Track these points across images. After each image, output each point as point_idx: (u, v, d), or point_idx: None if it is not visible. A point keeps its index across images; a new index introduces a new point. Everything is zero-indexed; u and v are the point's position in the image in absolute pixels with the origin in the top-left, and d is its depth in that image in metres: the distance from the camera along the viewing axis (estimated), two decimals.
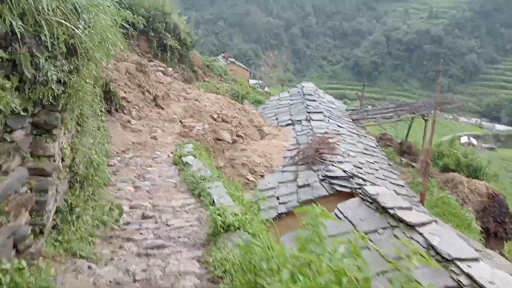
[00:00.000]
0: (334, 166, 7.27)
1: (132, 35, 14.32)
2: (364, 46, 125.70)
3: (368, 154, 9.90)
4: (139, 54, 13.46)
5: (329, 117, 11.60)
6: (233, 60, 34.44)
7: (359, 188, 6.31)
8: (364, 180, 6.91)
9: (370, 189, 5.79)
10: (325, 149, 8.32)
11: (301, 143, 9.70)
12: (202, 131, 8.44)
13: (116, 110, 7.46)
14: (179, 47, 15.78)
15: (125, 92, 7.86)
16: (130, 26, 14.25)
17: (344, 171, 6.96)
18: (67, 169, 3.81)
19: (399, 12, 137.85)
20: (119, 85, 7.96)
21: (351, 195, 6.48)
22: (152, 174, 5.09)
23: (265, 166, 9.02)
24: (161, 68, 11.15)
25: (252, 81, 39.63)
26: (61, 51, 3.06)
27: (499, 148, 74.19)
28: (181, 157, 5.56)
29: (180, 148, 6.41)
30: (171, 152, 6.34)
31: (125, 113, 7.51)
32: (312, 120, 11.00)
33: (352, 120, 13.25)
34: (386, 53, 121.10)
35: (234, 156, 9.18)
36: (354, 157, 8.76)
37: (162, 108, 9.10)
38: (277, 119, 12.88)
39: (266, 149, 9.84)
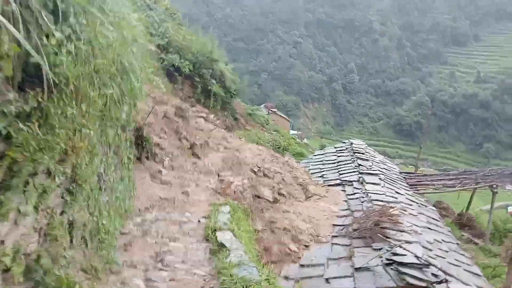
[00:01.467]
0: (402, 247, 5.82)
1: (177, 79, 13.90)
2: (407, 106, 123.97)
3: (433, 230, 8.33)
4: (182, 98, 12.88)
5: (384, 180, 10.18)
6: (275, 110, 33.99)
7: (439, 282, 4.82)
8: (441, 270, 5.40)
9: None
10: (387, 222, 6.91)
11: (354, 209, 8.32)
12: (241, 188, 7.31)
13: (147, 157, 6.53)
14: (223, 94, 15.20)
15: (159, 138, 6.97)
16: (176, 70, 13.91)
17: (417, 257, 5.50)
18: None
19: (444, 75, 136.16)
20: (154, 129, 7.09)
21: None
22: (175, 254, 3.84)
23: (311, 235, 7.67)
24: (203, 114, 10.39)
25: (291, 132, 38.84)
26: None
27: None
28: (215, 231, 4.38)
29: (215, 212, 5.26)
30: (204, 217, 5.20)
31: (156, 162, 6.55)
32: (366, 183, 9.63)
33: (409, 185, 11.73)
34: (430, 113, 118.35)
35: (274, 218, 7.93)
36: (420, 234, 7.26)
37: (199, 158, 8.12)
38: (322, 177, 11.60)
39: (312, 213, 8.52)
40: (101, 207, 3.80)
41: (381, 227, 6.77)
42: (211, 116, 11.05)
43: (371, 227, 6.76)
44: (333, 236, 7.43)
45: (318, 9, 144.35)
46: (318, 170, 12.46)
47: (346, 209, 8.70)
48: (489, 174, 12.32)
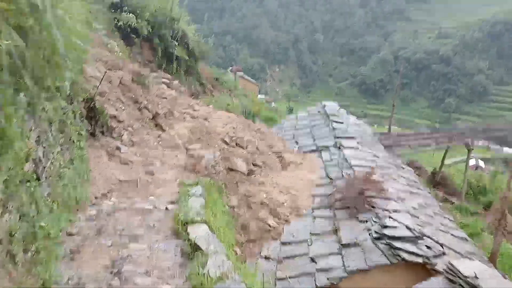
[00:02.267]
0: (392, 218, 5.37)
1: (135, 42, 12.65)
2: (371, 64, 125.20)
3: (415, 193, 8.02)
4: (141, 63, 11.74)
5: (360, 144, 9.74)
6: (242, 74, 32.86)
7: (449, 266, 4.38)
8: (436, 242, 5.01)
9: (462, 266, 3.90)
10: (371, 189, 6.44)
11: (334, 177, 7.83)
12: (213, 162, 6.60)
13: (102, 132, 5.66)
14: (186, 57, 14.07)
15: (116, 109, 6.07)
16: (133, 31, 12.63)
17: (408, 228, 5.06)
18: None
19: (407, 32, 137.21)
20: (109, 99, 6.17)
21: (422, 266, 4.59)
22: (136, 261, 3.06)
23: (290, 208, 7.14)
24: (165, 80, 9.44)
25: (259, 96, 37.95)
26: None
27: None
28: (186, 224, 3.64)
29: (185, 196, 4.53)
30: (172, 202, 4.47)
31: (114, 137, 5.70)
32: (344, 147, 9.13)
33: (384, 146, 11.39)
34: (393, 71, 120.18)
35: (250, 192, 7.33)
36: (404, 199, 6.88)
37: (164, 130, 7.28)
38: (297, 143, 11.03)
39: (290, 183, 7.98)
40: (39, 204, 3.01)
41: (366, 196, 6.30)
42: (175, 82, 10.09)
43: (355, 196, 6.27)
44: (314, 208, 6.93)
45: None
46: (292, 136, 11.88)
47: (324, 177, 8.21)
48: (463, 131, 12.19)
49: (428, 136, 12.35)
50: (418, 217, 6.31)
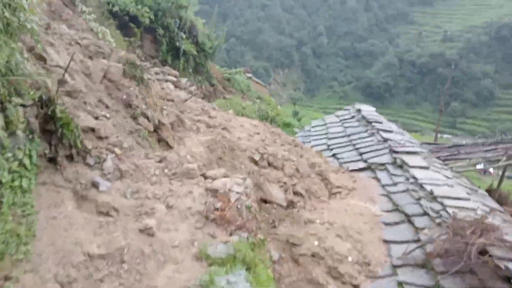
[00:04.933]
0: None
1: (134, 32, 10.40)
2: (376, 67, 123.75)
3: None
4: (141, 58, 9.48)
5: (427, 161, 7.42)
6: (251, 75, 30.63)
7: None
8: None
9: None
10: (489, 239, 4.13)
11: (409, 212, 5.52)
12: (244, 197, 4.29)
13: (70, 158, 3.37)
14: (195, 52, 11.81)
15: (95, 118, 3.78)
16: (131, 19, 10.41)
17: None
18: None
19: (412, 35, 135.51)
20: (84, 102, 3.88)
21: None
22: None
23: (357, 263, 4.83)
24: (171, 78, 7.21)
25: None
26: None
27: None
28: None
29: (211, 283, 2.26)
30: None
31: (89, 165, 3.41)
32: (409, 166, 6.82)
33: (442, 161, 9.07)
34: (398, 75, 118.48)
35: (295, 236, 5.04)
36: None
37: (170, 147, 4.98)
38: (335, 157, 8.75)
39: (346, 220, 5.67)
40: None
41: (489, 255, 3.98)
42: (183, 80, 7.81)
43: (475, 256, 3.95)
44: (395, 266, 4.61)
45: None
46: (326, 147, 9.58)
47: (392, 210, 5.90)
48: None
49: (491, 147, 9.99)
50: None
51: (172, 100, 6.31)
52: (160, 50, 10.79)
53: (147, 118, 4.81)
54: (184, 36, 11.20)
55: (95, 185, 3.33)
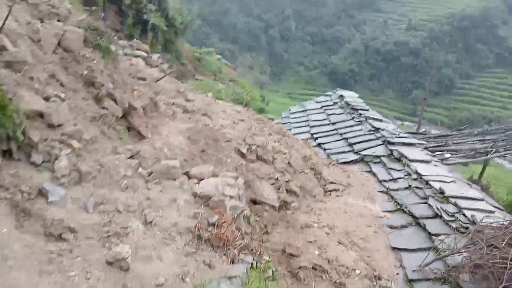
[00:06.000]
0: None
1: (97, 2, 9.11)
2: (342, 54, 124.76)
3: None
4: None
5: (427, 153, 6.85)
6: (220, 57, 29.46)
7: None
8: None
9: None
10: None
11: (418, 214, 4.89)
12: (239, 202, 3.45)
13: (9, 154, 2.39)
14: (165, 27, 10.65)
15: (45, 99, 2.80)
16: None
17: None
18: None
19: (378, 22, 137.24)
20: (31, 77, 2.87)
21: None
22: None
23: (366, 276, 4.14)
24: (141, 53, 6.16)
25: None
26: None
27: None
28: None
29: None
30: None
31: (35, 164, 2.45)
32: (409, 159, 6.21)
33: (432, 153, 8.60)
34: (364, 62, 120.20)
35: (292, 246, 4.31)
36: None
37: (143, 137, 4.03)
38: (322, 148, 8.06)
39: (347, 223, 4.97)
40: None
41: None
42: (155, 56, 6.75)
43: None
44: (411, 281, 3.95)
45: None
46: (309, 136, 8.88)
47: (396, 210, 5.27)
48: None
49: (480, 138, 9.65)
50: None
51: (144, 79, 5.31)
52: (125, 24, 9.57)
53: (115, 100, 3.83)
54: (153, 9, 10.00)
55: (43, 193, 2.38)
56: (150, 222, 2.59)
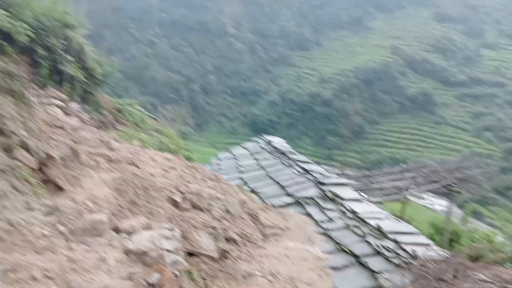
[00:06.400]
0: None
1: (7, 52, 8.40)
2: (260, 105, 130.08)
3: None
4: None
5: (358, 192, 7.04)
6: (141, 108, 28.77)
7: None
8: None
9: None
10: (477, 283, 3.61)
11: (359, 252, 4.88)
12: (177, 256, 3.11)
13: None
14: (83, 79, 10.14)
15: None
16: (5, 37, 8.41)
17: None
18: None
19: (292, 76, 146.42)
20: None
21: None
22: None
23: None
24: (58, 102, 5.66)
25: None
26: None
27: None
28: None
29: None
30: None
31: None
32: (343, 199, 6.30)
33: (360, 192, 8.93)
34: (281, 112, 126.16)
35: None
36: None
37: (61, 189, 3.56)
38: (254, 191, 7.94)
39: (291, 267, 4.79)
40: None
41: None
42: (73, 105, 6.27)
43: None
44: None
45: (172, 10, 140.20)
46: (242, 182, 8.74)
47: (335, 252, 5.21)
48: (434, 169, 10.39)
49: (399, 176, 10.27)
50: None
51: (62, 128, 4.83)
52: (39, 74, 8.91)
53: (29, 150, 3.36)
54: (70, 59, 9.50)
55: None
56: None
